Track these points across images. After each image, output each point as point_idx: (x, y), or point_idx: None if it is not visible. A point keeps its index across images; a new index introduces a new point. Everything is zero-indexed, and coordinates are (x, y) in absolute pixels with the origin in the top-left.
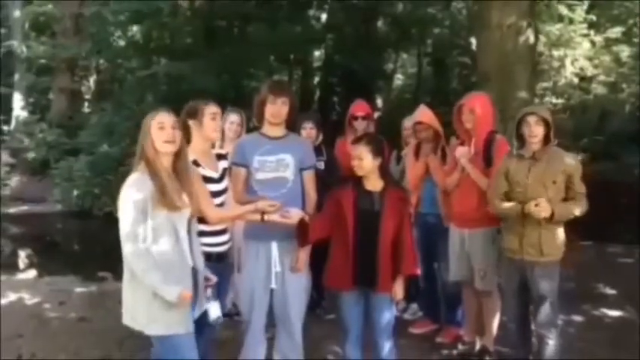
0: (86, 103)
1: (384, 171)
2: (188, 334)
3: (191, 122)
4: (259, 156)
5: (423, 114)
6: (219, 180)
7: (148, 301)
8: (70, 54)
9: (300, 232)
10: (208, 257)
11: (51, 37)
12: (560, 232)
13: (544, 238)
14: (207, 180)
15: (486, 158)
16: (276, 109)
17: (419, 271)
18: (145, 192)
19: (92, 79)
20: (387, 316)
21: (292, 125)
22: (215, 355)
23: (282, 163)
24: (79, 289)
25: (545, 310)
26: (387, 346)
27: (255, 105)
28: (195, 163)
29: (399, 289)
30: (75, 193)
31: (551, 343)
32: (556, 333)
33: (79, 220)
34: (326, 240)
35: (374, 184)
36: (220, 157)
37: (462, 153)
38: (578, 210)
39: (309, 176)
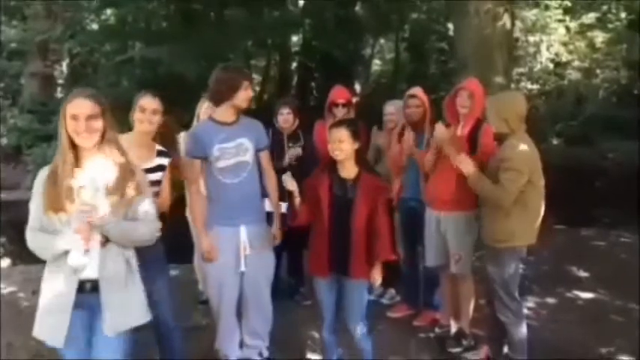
0: (59, 88)
1: (360, 157)
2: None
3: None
4: (219, 144)
5: (417, 89)
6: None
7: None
8: (41, 37)
9: (292, 211)
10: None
11: (22, 20)
12: (502, 220)
13: (483, 221)
14: None
15: (471, 143)
16: (250, 94)
17: (394, 257)
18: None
19: (65, 64)
20: (360, 301)
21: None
22: (193, 342)
23: (242, 147)
24: None
25: (495, 293)
26: (360, 331)
27: (222, 90)
28: None
29: (377, 275)
30: None
31: (512, 329)
32: (514, 318)
33: None
34: (305, 227)
35: (349, 170)
36: (161, 153)
37: (440, 132)
38: (488, 192)
39: (265, 156)
